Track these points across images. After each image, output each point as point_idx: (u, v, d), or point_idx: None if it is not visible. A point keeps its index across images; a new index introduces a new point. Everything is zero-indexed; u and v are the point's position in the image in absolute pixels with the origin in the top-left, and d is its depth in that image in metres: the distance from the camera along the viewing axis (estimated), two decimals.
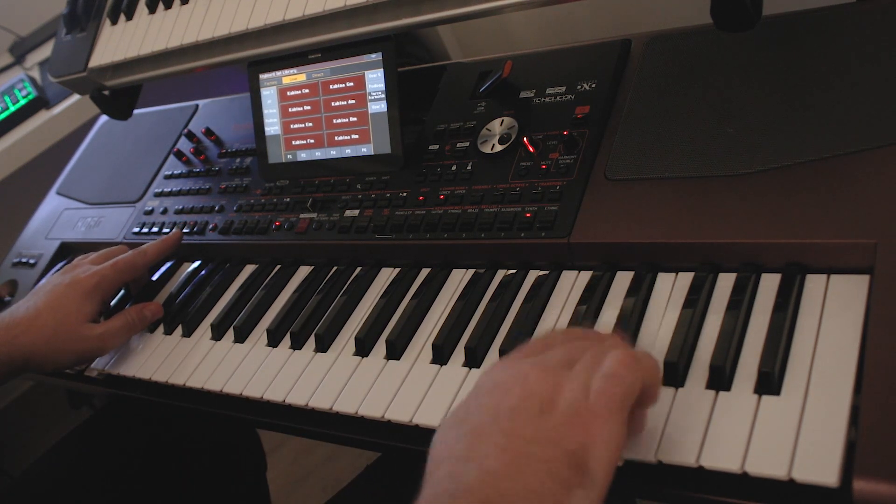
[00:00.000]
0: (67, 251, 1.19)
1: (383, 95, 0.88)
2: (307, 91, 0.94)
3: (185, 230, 1.02)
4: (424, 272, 0.80)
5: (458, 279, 0.77)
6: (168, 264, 1.04)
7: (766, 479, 0.50)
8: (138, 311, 0.91)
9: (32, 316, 0.84)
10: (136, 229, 1.08)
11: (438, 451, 0.49)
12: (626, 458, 0.54)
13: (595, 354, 0.51)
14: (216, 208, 1.01)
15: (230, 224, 0.97)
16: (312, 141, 0.95)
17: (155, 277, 1.02)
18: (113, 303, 1.00)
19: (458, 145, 0.84)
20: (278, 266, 0.93)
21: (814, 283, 0.59)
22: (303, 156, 0.96)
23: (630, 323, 0.63)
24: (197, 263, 1.01)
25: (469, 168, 0.81)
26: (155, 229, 1.06)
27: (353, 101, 0.90)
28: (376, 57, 0.88)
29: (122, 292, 1.01)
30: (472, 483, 0.45)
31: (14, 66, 1.87)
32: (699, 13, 0.68)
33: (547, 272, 0.72)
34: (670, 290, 0.65)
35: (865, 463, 0.46)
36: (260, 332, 0.84)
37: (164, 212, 1.07)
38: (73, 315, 0.85)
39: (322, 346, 0.78)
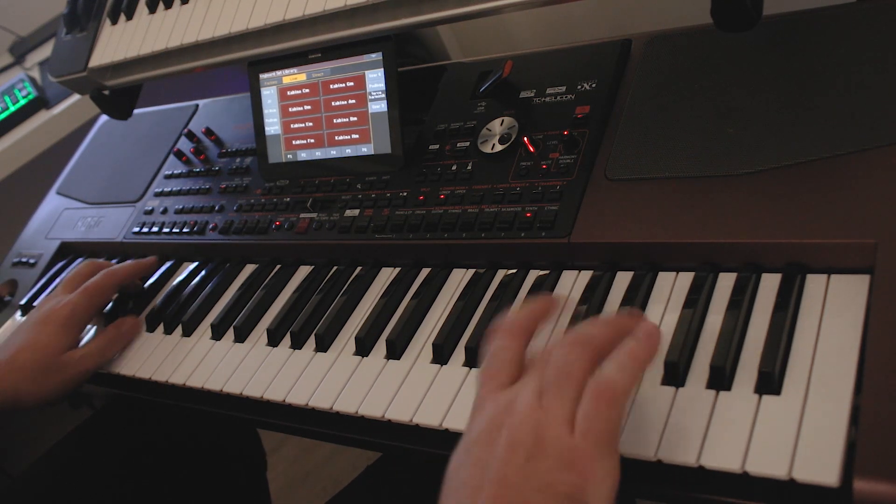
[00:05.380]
0: (67, 251, 1.19)
1: (383, 95, 0.88)
2: (307, 91, 0.94)
3: (185, 230, 1.02)
4: (424, 272, 0.80)
5: (459, 279, 0.77)
6: (168, 264, 1.04)
7: (767, 478, 0.50)
8: (115, 328, 0.92)
9: (11, 358, 0.85)
10: (136, 229, 1.08)
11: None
12: (626, 455, 0.54)
13: (565, 376, 0.50)
14: (216, 208, 1.01)
15: (230, 224, 0.97)
16: (312, 141, 0.94)
17: (154, 278, 1.02)
18: (107, 309, 1.00)
19: (458, 145, 0.84)
20: (278, 266, 0.93)
21: (814, 283, 0.59)
22: (303, 155, 0.96)
23: None
24: (197, 263, 1.01)
25: (469, 168, 0.81)
26: (155, 229, 1.06)
27: (354, 101, 0.90)
28: (376, 57, 0.88)
29: (111, 302, 1.00)
30: None
31: (14, 66, 1.87)
32: (699, 13, 0.68)
33: (547, 272, 0.72)
34: (670, 290, 0.65)
35: (865, 463, 0.46)
36: (260, 332, 0.84)
37: (164, 211, 1.07)
38: (51, 348, 0.87)
39: (322, 346, 0.78)
